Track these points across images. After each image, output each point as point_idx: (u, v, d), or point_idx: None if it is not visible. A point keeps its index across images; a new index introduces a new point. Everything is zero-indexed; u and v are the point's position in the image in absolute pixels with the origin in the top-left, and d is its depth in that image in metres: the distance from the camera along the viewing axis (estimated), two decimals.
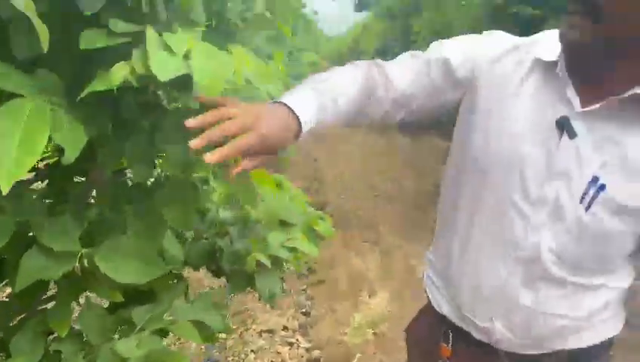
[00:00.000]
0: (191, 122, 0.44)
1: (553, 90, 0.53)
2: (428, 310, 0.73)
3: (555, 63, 0.52)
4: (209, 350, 1.71)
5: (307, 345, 1.82)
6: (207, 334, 0.71)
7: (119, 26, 0.47)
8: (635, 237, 0.54)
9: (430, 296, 0.72)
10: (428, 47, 0.65)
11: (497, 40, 0.62)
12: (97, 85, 0.46)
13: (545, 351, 0.61)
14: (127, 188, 0.72)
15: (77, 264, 0.58)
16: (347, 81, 0.58)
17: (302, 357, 1.76)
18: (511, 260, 0.57)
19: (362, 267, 2.37)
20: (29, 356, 0.57)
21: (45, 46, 0.38)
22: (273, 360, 1.75)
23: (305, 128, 0.49)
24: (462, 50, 0.61)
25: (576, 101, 0.51)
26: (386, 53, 5.78)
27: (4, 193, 0.37)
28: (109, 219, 0.66)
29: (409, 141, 4.66)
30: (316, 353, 1.75)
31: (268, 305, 1.69)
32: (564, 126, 0.51)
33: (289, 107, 0.48)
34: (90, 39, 0.46)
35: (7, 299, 0.67)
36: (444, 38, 0.65)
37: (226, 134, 0.43)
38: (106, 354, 0.58)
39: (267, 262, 0.83)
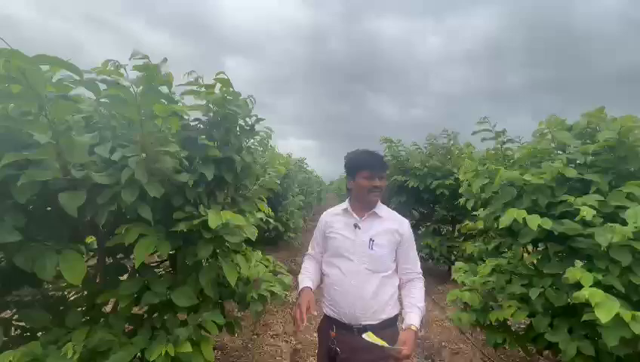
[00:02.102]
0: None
1: (350, 215, 1.38)
2: (324, 318, 1.42)
3: (348, 208, 1.38)
4: (246, 344, 2.67)
5: (294, 342, 2.83)
6: (219, 326, 1.45)
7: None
8: (392, 256, 1.34)
9: (325, 311, 1.39)
10: None
11: (336, 207, 1.47)
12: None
13: (370, 321, 1.26)
14: (194, 265, 1.47)
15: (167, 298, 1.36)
16: (314, 268, 1.45)
17: (291, 347, 2.74)
18: (351, 274, 1.30)
19: None
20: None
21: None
22: (277, 349, 2.67)
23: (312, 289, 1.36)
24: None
25: (357, 217, 1.36)
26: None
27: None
28: (179, 281, 1.43)
29: None
30: (299, 346, 2.75)
31: (278, 321, 3.15)
32: (356, 225, 1.35)
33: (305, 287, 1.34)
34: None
35: (140, 312, 1.45)
36: None
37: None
38: (181, 331, 1.33)
39: (256, 296, 1.60)
